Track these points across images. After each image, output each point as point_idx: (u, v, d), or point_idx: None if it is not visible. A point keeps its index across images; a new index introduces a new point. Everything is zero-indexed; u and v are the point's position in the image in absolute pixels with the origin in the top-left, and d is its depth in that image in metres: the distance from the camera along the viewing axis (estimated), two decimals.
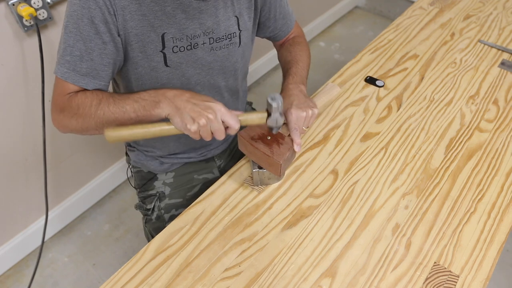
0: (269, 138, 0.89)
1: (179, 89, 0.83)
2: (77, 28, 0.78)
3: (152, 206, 1.08)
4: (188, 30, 0.85)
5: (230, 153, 1.19)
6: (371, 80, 1.22)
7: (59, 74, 0.82)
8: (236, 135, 1.18)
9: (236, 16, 0.92)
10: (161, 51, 0.85)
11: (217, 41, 0.91)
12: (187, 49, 0.87)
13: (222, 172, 1.16)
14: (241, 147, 0.93)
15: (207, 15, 0.86)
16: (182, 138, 1.02)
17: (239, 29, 0.93)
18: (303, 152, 1.03)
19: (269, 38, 1.12)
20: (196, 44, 0.88)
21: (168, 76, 0.89)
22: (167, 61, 0.87)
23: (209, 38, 0.89)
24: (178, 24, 0.83)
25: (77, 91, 0.84)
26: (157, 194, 1.09)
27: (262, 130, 0.89)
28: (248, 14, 0.95)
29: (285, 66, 1.05)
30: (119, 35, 0.81)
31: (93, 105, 0.82)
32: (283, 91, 0.96)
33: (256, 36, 1.08)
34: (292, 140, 0.88)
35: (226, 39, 0.92)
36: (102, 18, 0.78)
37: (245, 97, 1.17)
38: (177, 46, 0.86)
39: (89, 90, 0.84)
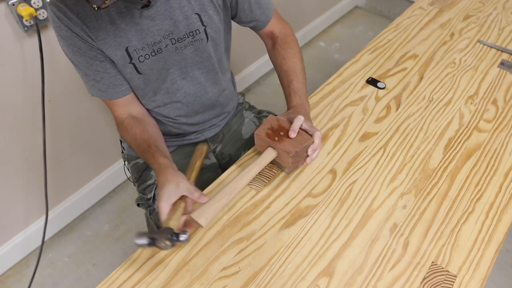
0: (281, 133, 0.92)
1: (166, 184, 0.84)
2: (77, 60, 0.91)
3: (153, 195, 1.10)
4: (146, 39, 0.90)
5: (223, 138, 1.21)
6: (372, 82, 1.22)
7: (93, 94, 0.98)
8: (228, 122, 1.23)
9: (197, 13, 0.93)
10: (130, 63, 0.92)
11: (179, 41, 0.94)
12: (152, 55, 0.93)
13: (218, 157, 1.20)
14: (260, 143, 0.96)
15: (161, 20, 0.90)
16: (175, 125, 1.10)
17: (203, 25, 0.95)
18: None
19: (252, 28, 1.12)
20: (159, 49, 0.93)
21: (144, 82, 0.97)
22: (139, 70, 0.94)
23: (171, 39, 0.93)
24: (135, 36, 0.89)
25: (131, 122, 1.00)
26: (155, 182, 1.11)
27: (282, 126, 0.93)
28: (212, 8, 0.95)
29: (284, 77, 1.06)
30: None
31: (139, 148, 0.97)
32: (291, 108, 1.00)
33: (241, 25, 1.09)
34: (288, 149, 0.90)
35: (188, 37, 0.95)
36: (86, 45, 0.88)
37: (234, 87, 1.21)
38: (142, 56, 0.92)
39: (138, 129, 0.98)
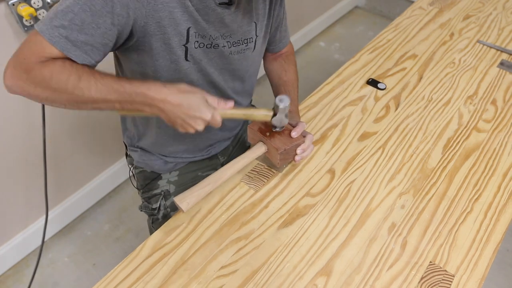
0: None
1: (168, 92, 0.78)
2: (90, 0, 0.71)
3: (158, 205, 1.09)
4: (209, 31, 0.87)
5: (232, 150, 1.20)
6: (373, 83, 1.22)
7: (47, 36, 0.71)
8: (238, 133, 1.22)
9: (255, 22, 0.93)
10: (184, 45, 0.85)
11: (234, 45, 0.92)
12: (207, 47, 0.88)
13: None
14: (252, 136, 0.97)
15: (228, 21, 0.87)
16: (187, 138, 1.05)
17: (256, 34, 0.95)
18: None
19: (267, 49, 1.13)
20: (216, 45, 0.89)
21: (186, 71, 0.89)
22: (188, 56, 0.87)
23: (227, 42, 0.90)
24: (202, 23, 0.85)
25: (55, 58, 0.74)
26: (162, 193, 1.10)
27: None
28: (263, 20, 0.97)
29: (283, 86, 1.12)
30: (144, 24, 0.78)
31: (70, 82, 0.73)
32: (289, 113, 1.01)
33: None
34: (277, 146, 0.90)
35: (242, 44, 0.93)
36: (125, 1, 0.73)
37: (250, 97, 1.19)
38: (198, 42, 0.86)
39: (68, 61, 0.74)
